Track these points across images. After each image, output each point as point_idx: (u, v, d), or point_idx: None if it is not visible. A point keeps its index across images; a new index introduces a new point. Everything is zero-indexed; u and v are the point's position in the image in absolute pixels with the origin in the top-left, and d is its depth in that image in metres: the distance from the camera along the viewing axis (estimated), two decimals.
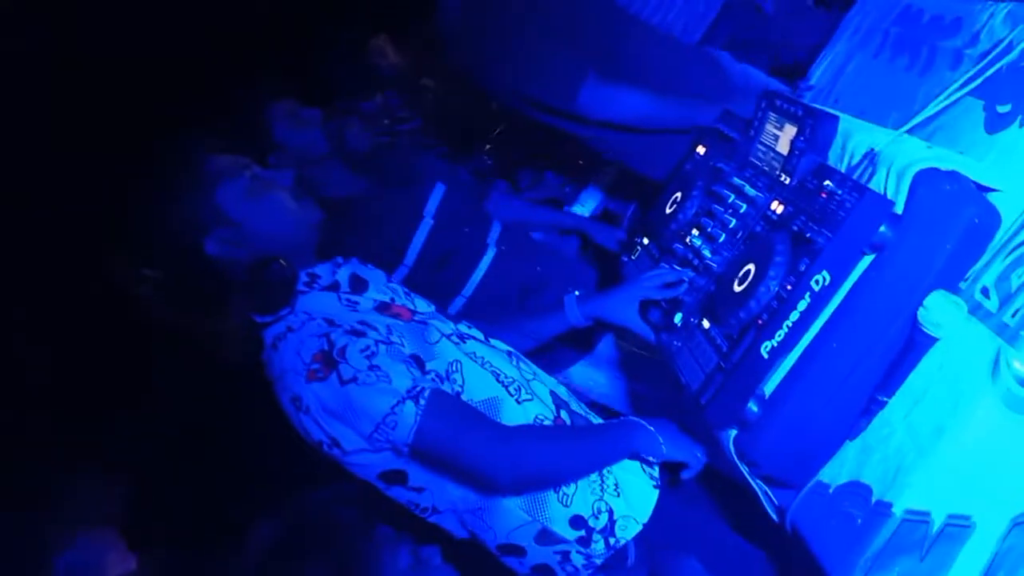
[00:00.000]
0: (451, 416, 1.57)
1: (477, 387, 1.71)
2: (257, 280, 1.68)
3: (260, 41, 2.97)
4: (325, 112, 2.75)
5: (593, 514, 1.76)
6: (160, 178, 1.77)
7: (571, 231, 3.08)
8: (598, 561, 1.77)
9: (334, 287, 1.77)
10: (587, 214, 3.17)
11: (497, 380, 1.75)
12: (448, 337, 1.77)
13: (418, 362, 1.65)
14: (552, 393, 1.87)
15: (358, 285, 1.81)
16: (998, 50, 1.54)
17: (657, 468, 1.88)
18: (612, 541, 1.77)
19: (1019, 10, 1.58)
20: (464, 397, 1.68)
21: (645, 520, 1.79)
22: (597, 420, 1.91)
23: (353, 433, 1.55)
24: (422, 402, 1.53)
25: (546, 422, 1.76)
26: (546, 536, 1.74)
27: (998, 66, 1.53)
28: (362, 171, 2.71)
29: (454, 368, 1.71)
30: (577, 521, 1.74)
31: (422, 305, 1.90)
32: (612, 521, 1.77)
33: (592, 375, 2.67)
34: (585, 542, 1.75)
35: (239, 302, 1.72)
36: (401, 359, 1.60)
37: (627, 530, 1.78)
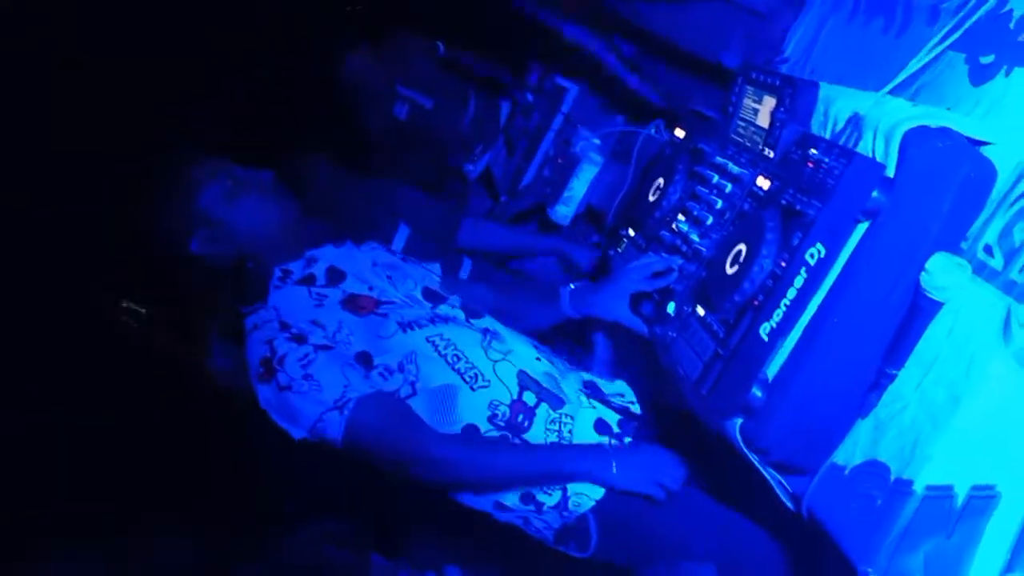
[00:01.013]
0: (376, 424, 1.70)
1: (431, 376, 1.79)
2: (237, 275, 1.85)
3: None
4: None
5: (544, 490, 1.81)
6: (144, 191, 1.91)
7: (548, 252, 3.04)
8: (556, 526, 1.85)
9: (308, 280, 1.88)
10: (571, 214, 3.11)
11: (453, 368, 1.80)
12: (406, 327, 1.82)
13: (365, 359, 1.76)
14: (521, 373, 1.87)
15: (335, 277, 1.89)
16: (975, 1, 1.49)
17: (629, 441, 1.91)
18: (565, 514, 1.82)
19: None
20: (419, 385, 1.77)
21: (598, 496, 1.83)
22: (584, 400, 1.93)
23: (295, 430, 1.72)
24: (346, 412, 1.67)
25: (501, 407, 1.80)
26: (501, 507, 1.84)
27: (976, 16, 1.47)
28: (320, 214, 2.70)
29: (408, 360, 1.78)
30: (527, 497, 1.82)
31: (397, 296, 1.92)
32: (565, 497, 1.81)
33: None
34: (538, 511, 1.83)
35: (224, 295, 1.91)
36: (339, 364, 1.71)
37: (581, 506, 1.82)
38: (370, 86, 3.09)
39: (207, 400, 2.02)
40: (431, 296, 1.96)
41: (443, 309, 1.93)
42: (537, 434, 1.80)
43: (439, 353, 1.81)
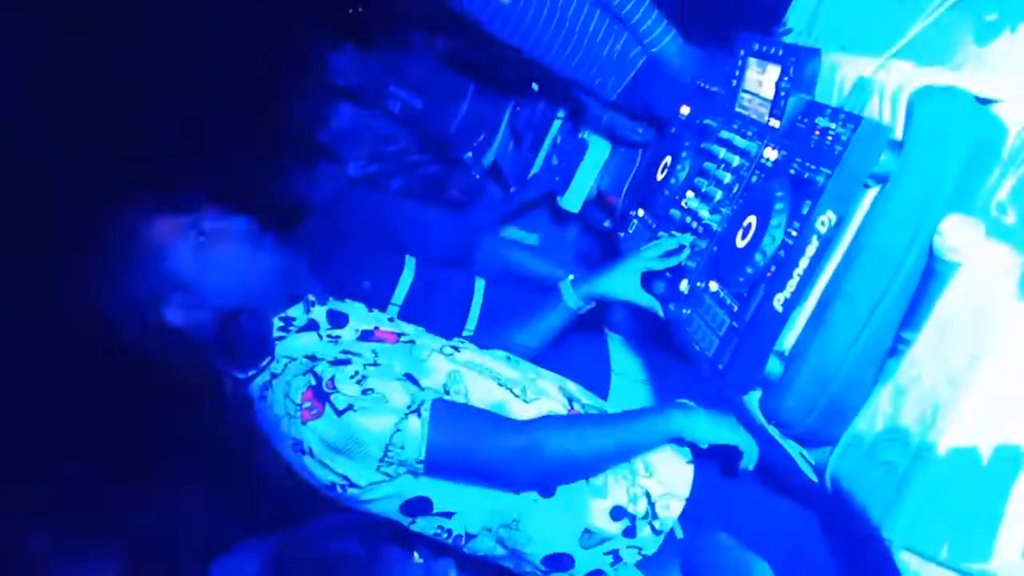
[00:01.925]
0: (459, 422, 1.51)
1: (481, 393, 1.64)
2: (229, 337, 1.59)
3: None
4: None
5: (630, 500, 1.68)
6: (99, 260, 1.61)
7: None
8: (649, 552, 1.70)
9: (312, 326, 1.69)
10: (581, 201, 3.09)
11: (499, 384, 1.69)
12: (440, 351, 1.71)
13: (412, 379, 1.58)
14: (561, 388, 1.79)
15: (337, 319, 1.72)
16: None
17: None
18: (656, 524, 1.69)
19: None
20: (470, 404, 1.61)
21: (687, 495, 1.72)
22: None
23: (362, 465, 1.48)
24: (425, 414, 1.48)
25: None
26: (589, 536, 1.66)
27: None
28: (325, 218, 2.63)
29: (453, 380, 1.64)
30: (617, 511, 1.67)
31: (409, 328, 1.82)
32: (651, 504, 1.69)
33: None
34: (631, 532, 1.68)
35: (219, 363, 1.63)
36: (394, 377, 1.54)
37: (669, 508, 1.70)
38: (355, 87, 3.03)
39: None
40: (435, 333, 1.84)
41: (456, 341, 1.81)
42: None
43: (480, 373, 1.69)
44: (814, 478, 1.44)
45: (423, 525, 1.64)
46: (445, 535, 1.66)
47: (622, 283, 1.82)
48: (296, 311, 1.70)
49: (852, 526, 1.33)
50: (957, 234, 1.22)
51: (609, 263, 1.87)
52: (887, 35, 1.62)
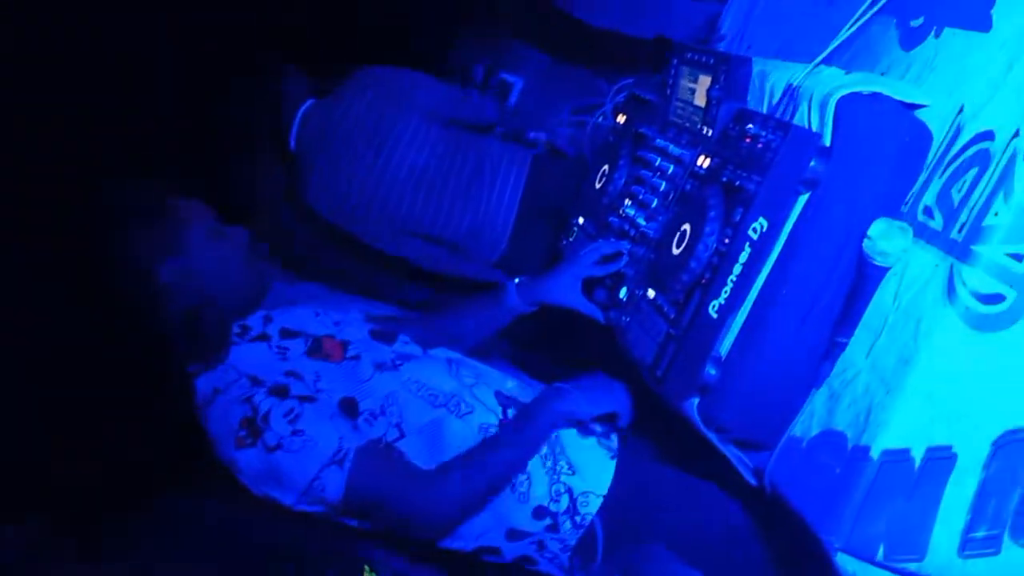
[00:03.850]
0: (376, 477, 1.61)
1: (415, 415, 1.71)
2: (189, 325, 1.72)
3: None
4: None
5: (553, 499, 1.75)
6: (131, 208, 1.78)
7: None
8: (572, 542, 1.78)
9: (264, 337, 1.77)
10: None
11: (434, 405, 1.75)
12: (382, 368, 1.76)
13: (350, 406, 1.67)
14: (497, 393, 1.83)
15: (288, 334, 1.79)
16: None
17: (615, 438, 1.88)
18: (577, 519, 1.76)
19: None
20: (405, 426, 1.69)
21: (604, 492, 1.79)
22: None
23: (286, 495, 1.60)
24: (347, 465, 1.57)
25: (492, 429, 1.76)
26: (515, 534, 1.75)
27: None
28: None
29: (389, 402, 1.71)
30: (540, 511, 1.75)
31: (356, 333, 1.85)
32: (573, 500, 1.76)
33: None
34: (553, 528, 1.76)
35: (176, 345, 1.74)
36: (328, 416, 1.62)
37: (589, 505, 1.77)
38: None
39: None
40: (381, 336, 1.88)
41: (399, 347, 1.86)
42: None
43: (416, 393, 1.76)
44: (753, 482, 1.45)
45: (354, 522, 1.73)
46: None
47: (563, 289, 1.86)
48: (254, 321, 1.79)
49: (791, 529, 1.34)
50: (886, 238, 1.23)
51: (552, 270, 1.89)
52: (818, 40, 1.64)
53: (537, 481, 1.75)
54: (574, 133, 2.92)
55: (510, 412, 1.80)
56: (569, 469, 1.78)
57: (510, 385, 1.88)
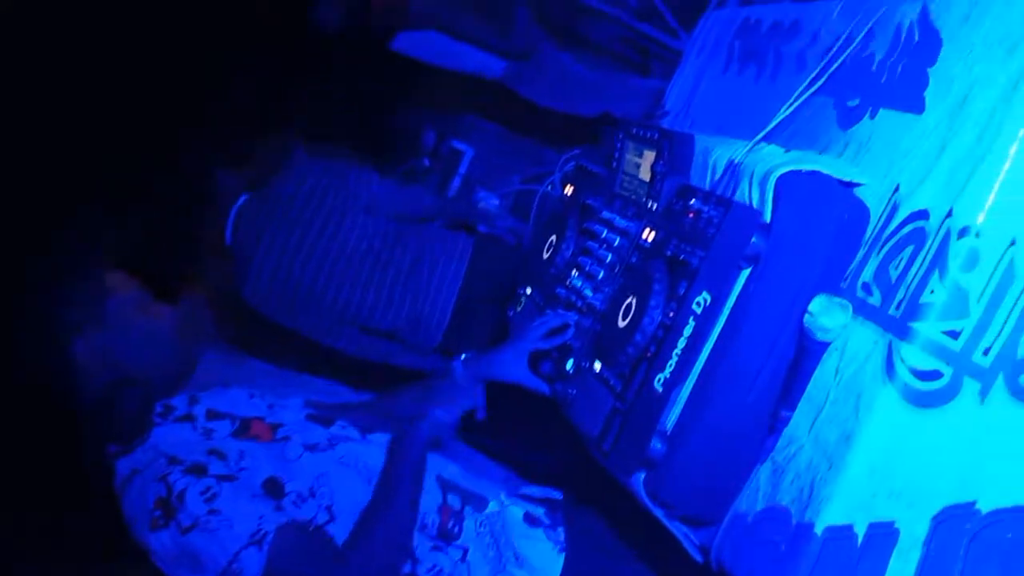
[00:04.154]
0: (295, 558, 1.52)
1: (349, 497, 1.63)
2: (112, 402, 1.62)
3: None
4: None
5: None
6: (52, 268, 1.69)
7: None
8: None
9: (189, 417, 1.69)
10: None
11: (371, 485, 1.67)
12: (314, 449, 1.69)
13: (274, 486, 1.58)
14: (438, 478, 1.77)
15: (215, 415, 1.72)
16: (838, 45, 1.54)
17: (561, 531, 1.82)
18: None
19: (852, 4, 1.58)
20: (336, 508, 1.61)
21: None
22: (493, 501, 1.83)
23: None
24: (265, 546, 1.48)
25: (430, 515, 1.69)
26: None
27: (840, 61, 1.52)
28: None
29: (320, 483, 1.63)
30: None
31: (290, 417, 1.79)
32: None
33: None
34: None
35: (94, 425, 1.63)
36: (248, 495, 1.54)
37: None
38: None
39: None
40: (318, 420, 1.82)
41: (336, 430, 1.79)
42: (469, 537, 1.71)
43: (351, 474, 1.69)
44: (700, 559, 1.43)
45: None
46: None
47: (510, 365, 1.82)
48: (178, 401, 1.70)
49: None
50: (826, 314, 1.25)
51: (498, 345, 1.87)
52: (759, 118, 1.68)
53: (478, 570, 1.68)
54: (515, 225, 2.94)
55: (450, 497, 1.74)
56: (516, 561, 1.72)
57: (451, 469, 1.84)
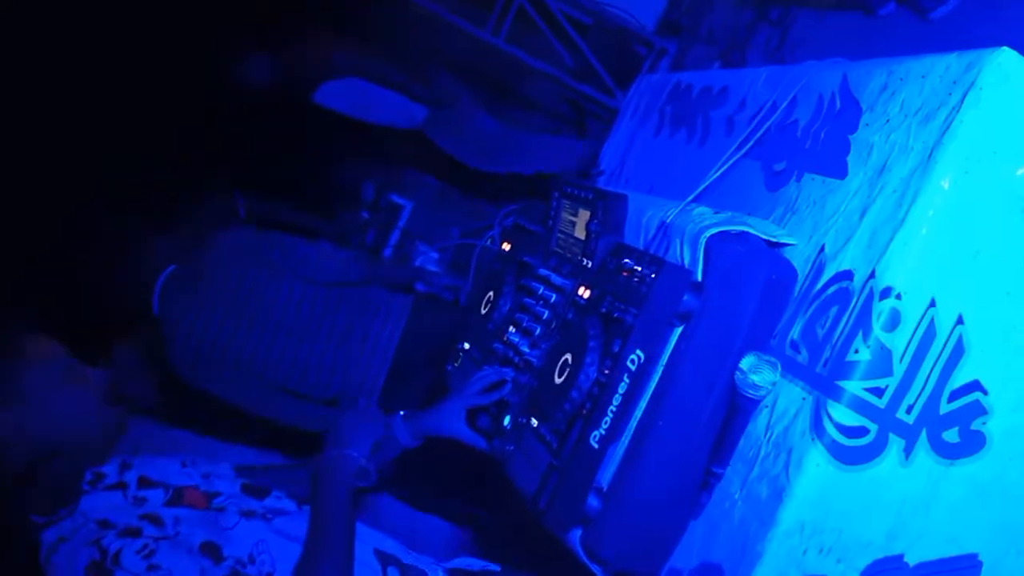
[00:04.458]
0: None
1: (289, 563, 1.58)
2: (36, 475, 1.54)
3: None
4: None
5: None
6: None
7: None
8: None
9: (121, 485, 1.63)
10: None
11: None
12: (250, 516, 1.65)
13: (213, 550, 1.53)
14: (376, 551, 1.74)
15: (148, 484, 1.66)
16: (764, 112, 1.60)
17: None
18: None
19: (776, 73, 1.64)
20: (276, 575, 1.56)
21: None
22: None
23: None
24: None
25: None
26: None
27: (766, 126, 1.57)
28: None
29: (259, 549, 1.58)
30: None
31: (225, 487, 1.74)
32: None
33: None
34: None
35: (15, 499, 1.55)
36: (186, 551, 1.48)
37: None
38: None
39: None
40: (253, 491, 1.77)
41: (271, 502, 1.75)
42: None
43: (288, 543, 1.63)
44: None
45: None
46: None
47: (448, 420, 1.80)
48: (109, 468, 1.64)
49: None
50: (756, 372, 1.28)
51: (438, 401, 1.86)
52: (690, 179, 1.73)
53: None
54: (452, 282, 2.95)
55: (390, 570, 1.70)
56: None
57: (390, 543, 1.81)
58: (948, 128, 1.19)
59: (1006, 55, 1.18)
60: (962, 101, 1.19)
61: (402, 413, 1.85)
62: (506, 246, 2.02)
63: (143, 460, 1.69)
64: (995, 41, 1.21)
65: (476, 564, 1.89)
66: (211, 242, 2.55)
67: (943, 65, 1.25)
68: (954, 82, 1.22)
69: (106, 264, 2.55)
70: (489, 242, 2.82)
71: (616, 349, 1.39)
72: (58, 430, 1.58)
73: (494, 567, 1.89)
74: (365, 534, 1.75)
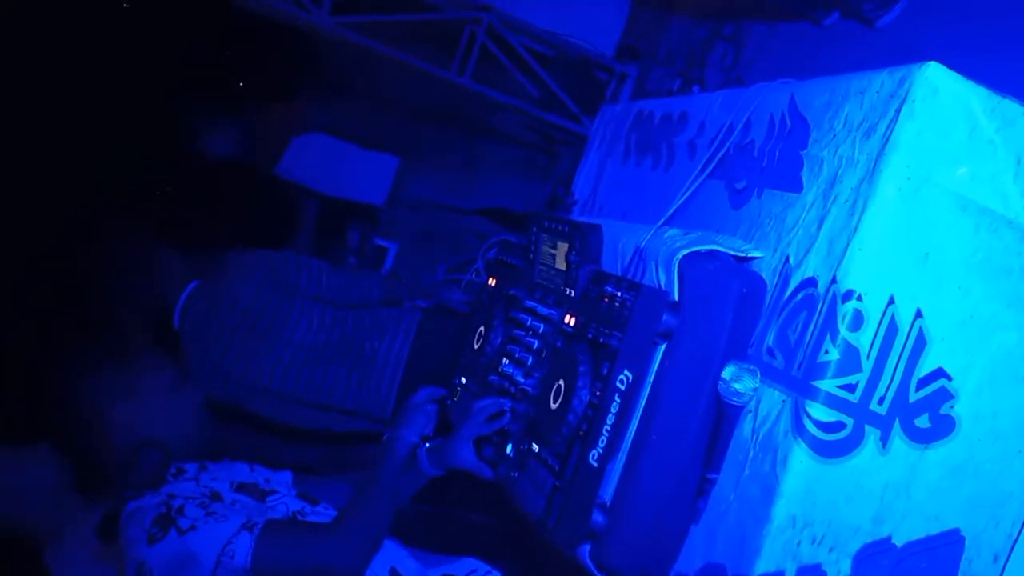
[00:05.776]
0: (284, 536, 1.67)
1: None
2: (138, 463, 1.79)
3: None
4: None
5: None
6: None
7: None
8: None
9: (196, 478, 1.84)
10: None
11: None
12: (299, 515, 1.83)
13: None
14: (392, 570, 1.83)
15: (216, 479, 1.87)
16: (721, 134, 1.69)
17: None
18: None
19: (730, 96, 1.74)
20: None
21: None
22: None
23: (196, 571, 1.62)
24: (256, 531, 1.62)
25: None
26: None
27: (725, 148, 1.67)
28: None
29: None
30: None
31: (283, 490, 1.92)
32: None
33: None
34: None
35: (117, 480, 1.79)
36: (238, 511, 1.70)
37: None
38: None
39: None
40: (306, 499, 1.93)
41: (320, 510, 1.91)
42: None
43: None
44: None
45: None
46: None
47: (458, 454, 1.88)
48: (191, 465, 1.86)
49: None
50: (737, 380, 1.36)
51: (448, 435, 1.94)
52: (659, 203, 1.83)
53: None
54: (466, 298, 3.03)
55: None
56: None
57: (409, 564, 1.89)
58: (888, 140, 1.29)
59: (933, 69, 1.28)
60: (898, 114, 1.29)
61: (427, 445, 1.94)
62: (492, 282, 2.11)
63: (218, 465, 1.93)
64: (942, 43, 1.31)
65: (482, 568, 1.97)
66: (233, 260, 2.62)
67: (878, 81, 1.35)
68: (890, 96, 1.32)
69: (131, 277, 2.64)
70: (474, 275, 2.90)
71: (605, 372, 1.47)
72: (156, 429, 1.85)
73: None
74: (386, 550, 1.85)
